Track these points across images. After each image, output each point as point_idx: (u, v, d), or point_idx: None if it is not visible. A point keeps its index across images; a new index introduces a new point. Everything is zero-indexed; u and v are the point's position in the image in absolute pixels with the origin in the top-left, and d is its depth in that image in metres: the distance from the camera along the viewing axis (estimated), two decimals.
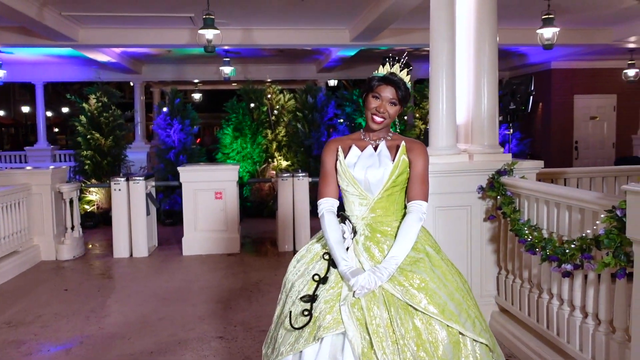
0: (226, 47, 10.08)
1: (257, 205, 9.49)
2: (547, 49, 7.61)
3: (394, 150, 2.26)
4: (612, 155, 13.31)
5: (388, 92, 2.21)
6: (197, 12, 7.48)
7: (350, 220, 2.22)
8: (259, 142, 9.88)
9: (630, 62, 11.64)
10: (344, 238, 2.19)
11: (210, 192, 6.81)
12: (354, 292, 2.01)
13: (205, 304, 4.81)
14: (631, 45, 10.28)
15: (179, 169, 6.81)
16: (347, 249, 2.16)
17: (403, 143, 2.26)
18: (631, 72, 11.80)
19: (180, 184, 6.85)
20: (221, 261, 6.40)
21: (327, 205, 2.27)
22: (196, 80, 15.74)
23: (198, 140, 10.20)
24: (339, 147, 2.29)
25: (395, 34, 9.34)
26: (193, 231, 6.78)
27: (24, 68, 13.41)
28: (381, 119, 2.22)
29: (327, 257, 2.17)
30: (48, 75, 14.15)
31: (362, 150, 2.26)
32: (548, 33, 7.45)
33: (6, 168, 10.56)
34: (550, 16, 7.20)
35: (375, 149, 2.27)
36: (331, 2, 7.62)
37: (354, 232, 2.20)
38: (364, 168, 2.21)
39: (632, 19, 8.86)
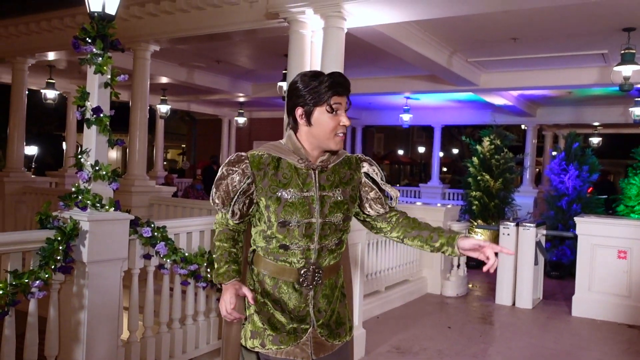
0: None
1: None
2: None
3: None
4: None
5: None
6: (612, 48, 6.73)
7: None
8: None
9: None
10: None
11: (611, 249, 5.93)
12: None
13: None
14: None
15: (576, 219, 6.14)
16: None
17: None
18: None
19: (575, 236, 6.19)
20: (620, 332, 5.44)
21: None
22: (596, 123, 14.41)
23: (589, 190, 9.17)
24: None
25: None
26: (586, 291, 6.01)
27: (426, 113, 14.78)
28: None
29: None
30: (446, 118, 15.25)
31: None
32: None
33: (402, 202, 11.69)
34: None
35: None
36: None
37: None
38: None
39: None
